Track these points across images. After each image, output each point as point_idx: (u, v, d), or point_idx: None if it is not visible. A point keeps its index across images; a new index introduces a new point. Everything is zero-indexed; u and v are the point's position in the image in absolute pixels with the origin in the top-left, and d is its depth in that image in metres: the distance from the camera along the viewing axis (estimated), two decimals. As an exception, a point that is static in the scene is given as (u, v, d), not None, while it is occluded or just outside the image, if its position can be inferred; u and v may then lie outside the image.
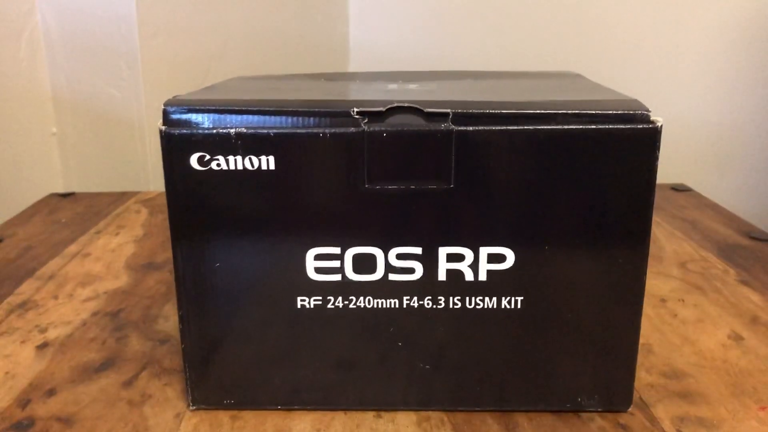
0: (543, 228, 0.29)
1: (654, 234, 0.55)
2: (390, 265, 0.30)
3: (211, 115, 0.28)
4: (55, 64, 0.71)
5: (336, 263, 0.30)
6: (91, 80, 0.71)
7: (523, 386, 0.31)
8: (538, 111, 0.28)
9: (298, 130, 0.28)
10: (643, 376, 0.34)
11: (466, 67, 0.76)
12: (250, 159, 0.28)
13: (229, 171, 0.28)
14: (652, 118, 0.28)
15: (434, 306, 0.30)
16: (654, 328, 0.40)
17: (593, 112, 0.28)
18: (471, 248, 0.29)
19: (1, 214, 0.66)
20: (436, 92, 0.33)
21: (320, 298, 0.30)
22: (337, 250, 0.30)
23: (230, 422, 0.31)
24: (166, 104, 0.28)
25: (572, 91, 0.34)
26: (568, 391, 0.31)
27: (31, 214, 0.62)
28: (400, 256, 0.30)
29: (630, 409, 0.32)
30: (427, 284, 0.30)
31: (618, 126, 0.27)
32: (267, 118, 0.28)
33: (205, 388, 0.32)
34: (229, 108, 0.28)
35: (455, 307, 0.30)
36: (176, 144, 0.28)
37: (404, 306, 0.30)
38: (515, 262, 0.29)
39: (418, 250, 0.29)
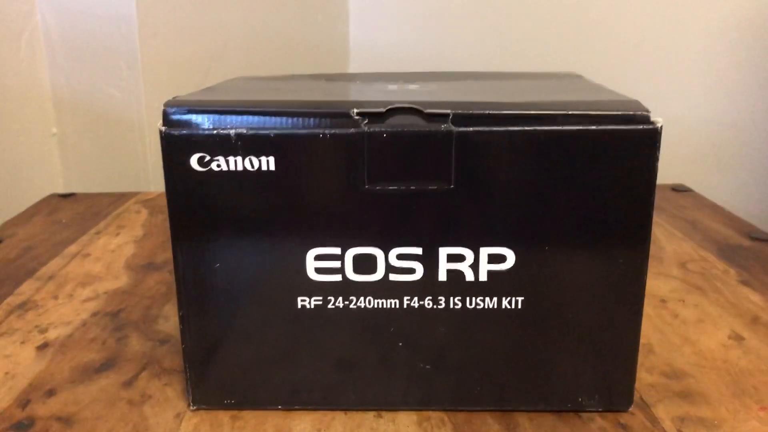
0: (543, 228, 0.29)
1: (654, 234, 0.55)
2: (390, 265, 0.30)
3: (212, 116, 0.28)
4: (55, 65, 0.71)
5: (336, 263, 0.30)
6: (91, 80, 0.71)
7: (523, 386, 0.31)
8: (539, 112, 0.28)
9: (299, 131, 0.28)
10: (643, 376, 0.34)
11: (466, 67, 0.76)
12: (251, 160, 0.28)
13: (229, 172, 0.28)
14: (652, 119, 0.28)
15: (435, 306, 0.30)
16: (654, 328, 0.40)
17: (593, 112, 0.28)
18: (471, 248, 0.29)
19: (1, 215, 0.66)
20: (437, 93, 0.33)
21: (320, 298, 0.30)
22: (337, 251, 0.30)
23: (230, 422, 0.31)
24: (166, 105, 0.28)
25: (572, 92, 0.34)
26: (568, 391, 0.31)
27: (31, 215, 0.62)
28: (400, 257, 0.30)
29: (630, 409, 0.32)
30: (428, 284, 0.30)
31: (618, 126, 0.27)
32: (267, 118, 0.28)
33: (206, 388, 0.32)
34: (230, 109, 0.28)
35: (456, 307, 0.30)
36: (176, 145, 0.28)
37: (404, 306, 0.30)
38: (516, 262, 0.29)
39: (418, 251, 0.29)
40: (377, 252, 0.29)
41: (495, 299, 0.30)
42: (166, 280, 0.47)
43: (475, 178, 0.28)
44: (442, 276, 0.30)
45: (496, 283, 0.30)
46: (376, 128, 0.28)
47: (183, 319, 0.31)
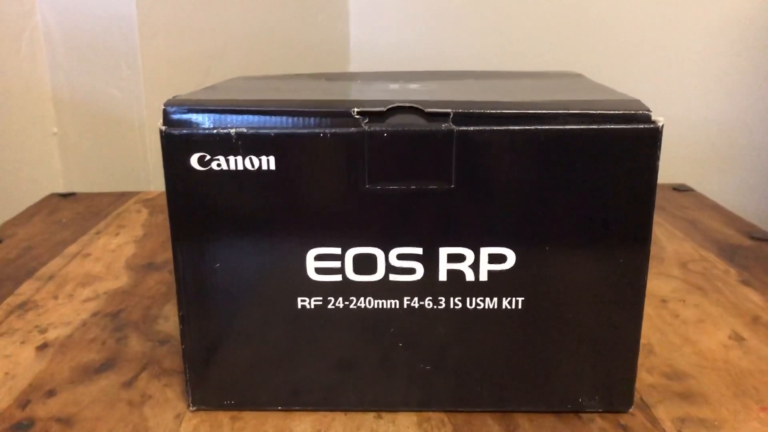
0: (544, 228, 0.29)
1: (655, 234, 0.55)
2: (390, 265, 0.30)
3: (212, 115, 0.28)
4: (55, 64, 0.71)
5: (336, 263, 0.30)
6: (92, 80, 0.71)
7: (523, 387, 0.31)
8: (539, 111, 0.28)
9: (299, 130, 0.28)
10: (644, 377, 0.34)
11: (466, 67, 0.76)
12: (251, 159, 0.28)
13: (229, 171, 0.28)
14: (653, 118, 0.27)
15: (435, 306, 0.30)
16: (655, 328, 0.40)
17: (594, 112, 0.28)
18: (472, 248, 0.29)
19: (2, 214, 0.66)
20: (437, 92, 0.33)
21: (321, 298, 0.30)
22: (337, 251, 0.29)
23: (230, 423, 0.31)
24: (166, 104, 0.28)
25: (573, 91, 0.34)
26: (568, 391, 0.31)
27: (31, 215, 0.62)
28: (400, 257, 0.29)
29: (631, 410, 0.32)
30: (428, 285, 0.30)
31: (619, 126, 0.27)
32: (267, 118, 0.28)
33: (206, 388, 0.32)
34: (230, 108, 0.28)
35: (456, 307, 0.30)
36: (176, 144, 0.28)
37: (405, 306, 0.30)
38: (516, 262, 0.29)
39: (418, 251, 0.29)
40: (377, 252, 0.29)
41: (495, 299, 0.30)
42: (166, 280, 0.47)
43: (476, 178, 0.28)
44: (443, 276, 0.30)
45: (497, 283, 0.30)
46: (376, 127, 0.28)
47: (183, 320, 0.31)
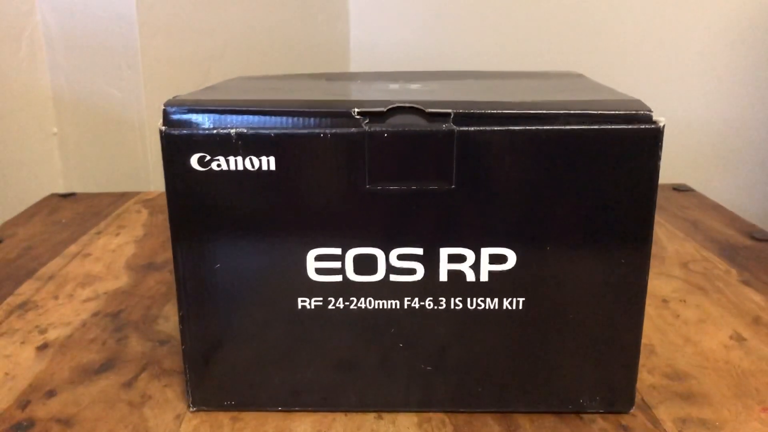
0: (544, 228, 0.29)
1: (656, 234, 0.55)
2: (391, 265, 0.30)
3: (212, 116, 0.28)
4: (55, 64, 0.71)
5: (337, 264, 0.30)
6: (92, 80, 0.71)
7: (524, 387, 0.31)
8: (540, 111, 0.28)
9: (299, 131, 0.28)
10: (645, 377, 0.34)
11: (466, 67, 0.76)
12: (251, 159, 0.28)
13: (229, 171, 0.28)
14: (654, 118, 0.27)
15: (435, 307, 0.30)
16: (656, 328, 0.40)
17: (595, 112, 0.27)
18: (472, 249, 0.29)
19: (2, 214, 0.66)
20: (438, 92, 0.33)
21: (321, 298, 0.30)
22: (337, 251, 0.29)
23: (230, 423, 0.31)
24: (166, 104, 0.28)
25: (574, 91, 0.34)
26: (569, 392, 0.31)
27: (31, 215, 0.62)
28: (401, 257, 0.29)
29: (632, 411, 0.31)
30: (428, 285, 0.30)
31: (620, 126, 0.27)
32: (267, 118, 0.28)
33: (206, 389, 0.32)
34: (230, 108, 0.28)
35: (456, 308, 0.30)
36: (176, 144, 0.28)
37: (405, 307, 0.30)
38: (517, 262, 0.29)
39: (419, 251, 0.29)
40: (378, 252, 0.29)
41: (496, 300, 0.30)
42: (166, 280, 0.47)
43: (477, 178, 0.28)
44: (443, 276, 0.30)
45: (497, 284, 0.30)
46: (377, 128, 0.28)
47: (183, 320, 0.31)
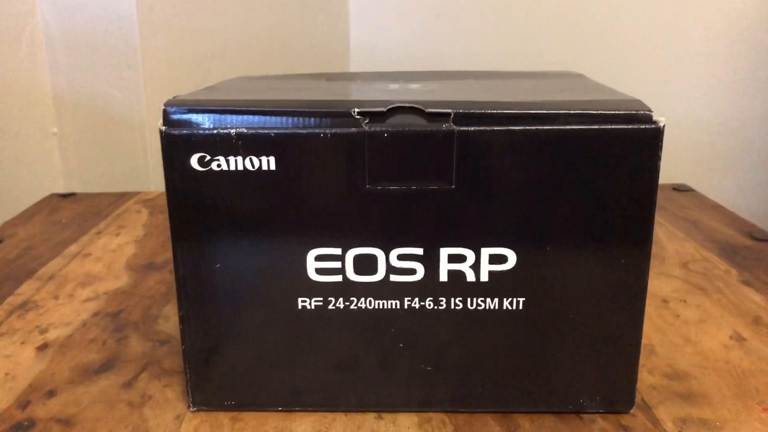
0: (545, 228, 0.29)
1: (656, 234, 0.55)
2: (391, 265, 0.30)
3: (212, 116, 0.28)
4: (55, 64, 0.71)
5: (337, 264, 0.30)
6: (92, 80, 0.71)
7: (524, 387, 0.31)
8: (540, 111, 0.28)
9: (299, 131, 0.28)
10: (645, 377, 0.34)
11: (466, 67, 0.76)
12: (251, 159, 0.28)
13: (229, 171, 0.28)
14: (654, 118, 0.27)
15: (435, 307, 0.30)
16: (656, 328, 0.40)
17: (595, 112, 0.27)
18: (472, 249, 0.29)
19: (2, 214, 0.66)
20: (438, 92, 0.33)
21: (321, 299, 0.30)
22: (338, 251, 0.29)
23: (230, 424, 0.31)
24: (166, 104, 0.28)
25: (574, 91, 0.34)
26: (569, 392, 0.31)
27: (31, 215, 0.62)
28: (401, 257, 0.29)
29: (632, 411, 0.31)
30: (429, 285, 0.30)
31: (620, 126, 0.27)
32: (268, 118, 0.28)
33: (206, 389, 0.32)
34: (230, 108, 0.28)
35: (456, 308, 0.30)
36: (176, 144, 0.28)
37: (405, 307, 0.30)
38: (517, 262, 0.29)
39: (419, 251, 0.29)
40: (378, 252, 0.29)
41: (496, 300, 0.30)
42: (166, 280, 0.47)
43: (477, 178, 0.28)
44: (443, 276, 0.30)
45: (498, 284, 0.30)
46: (377, 128, 0.28)
47: (183, 320, 0.31)
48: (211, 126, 0.28)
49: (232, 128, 0.28)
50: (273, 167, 0.28)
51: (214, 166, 0.28)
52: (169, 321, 0.41)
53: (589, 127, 0.27)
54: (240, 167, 0.28)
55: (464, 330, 0.30)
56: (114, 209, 0.64)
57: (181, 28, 0.70)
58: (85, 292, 0.45)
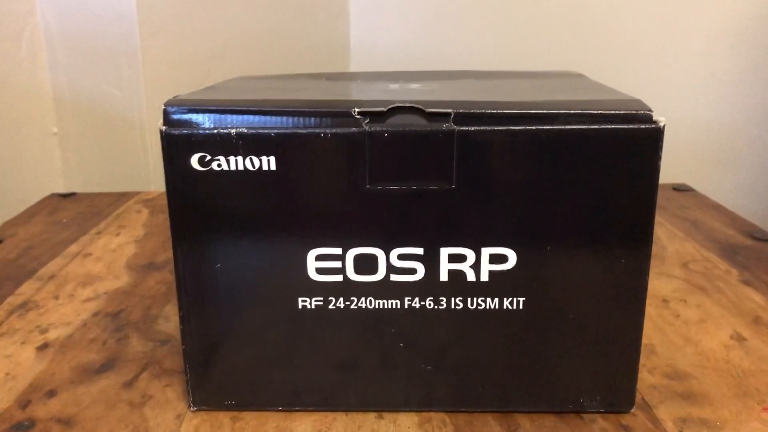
0: (545, 228, 0.29)
1: (656, 234, 0.55)
2: (391, 265, 0.30)
3: (212, 115, 0.28)
4: (55, 64, 0.71)
5: (337, 264, 0.30)
6: (92, 80, 0.71)
7: (525, 387, 0.31)
8: (540, 111, 0.28)
9: (300, 131, 0.28)
10: (645, 377, 0.34)
11: (467, 66, 0.76)
12: (251, 159, 0.28)
13: (230, 171, 0.28)
14: (654, 118, 0.27)
15: (436, 307, 0.30)
16: (656, 328, 0.40)
17: (595, 112, 0.27)
18: (473, 249, 0.29)
19: (2, 214, 0.66)
20: (438, 92, 0.33)
21: (321, 298, 0.30)
22: (338, 251, 0.29)
23: (231, 423, 0.31)
24: (166, 104, 0.28)
25: (574, 91, 0.34)
26: (570, 392, 0.31)
27: (31, 214, 0.62)
28: (401, 257, 0.29)
29: (632, 410, 0.31)
30: (429, 285, 0.30)
31: (620, 126, 0.27)
32: (268, 118, 0.28)
33: (206, 389, 0.32)
34: (230, 108, 0.28)
35: (457, 307, 0.30)
36: (177, 144, 0.28)
37: (406, 307, 0.30)
38: (517, 262, 0.29)
39: (419, 251, 0.29)
40: (378, 252, 0.29)
41: (496, 300, 0.30)
42: (166, 280, 0.47)
43: (477, 178, 0.28)
44: (444, 276, 0.30)
45: (498, 284, 0.30)
46: (377, 128, 0.28)
47: (183, 320, 0.31)
48: (212, 126, 0.28)
49: (232, 128, 0.28)
50: (273, 167, 0.28)
51: (214, 165, 0.28)
52: (170, 321, 0.41)
53: (589, 127, 0.27)
54: (240, 167, 0.28)
55: (464, 330, 0.30)
56: (114, 209, 0.64)
57: (181, 28, 0.70)
58: (86, 292, 0.45)
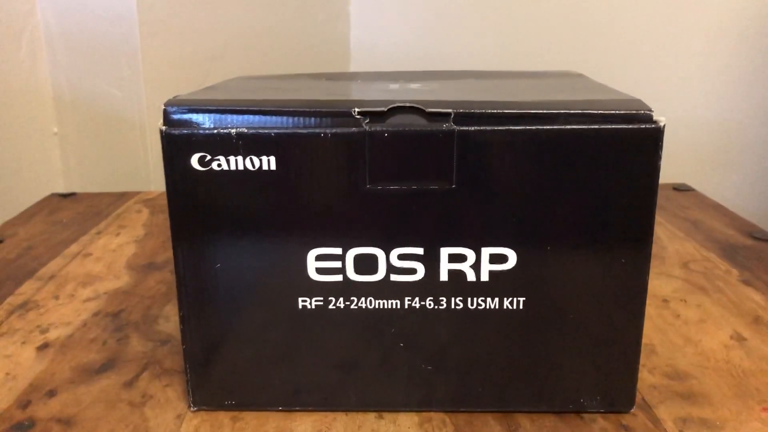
0: (545, 228, 0.29)
1: (656, 234, 0.55)
2: (391, 265, 0.30)
3: (212, 115, 0.28)
4: (55, 64, 0.71)
5: (337, 264, 0.30)
6: (92, 80, 0.71)
7: (525, 387, 0.31)
8: (540, 111, 0.28)
9: (300, 131, 0.28)
10: (645, 377, 0.34)
11: (467, 66, 0.76)
12: (251, 159, 0.28)
13: (230, 171, 0.28)
14: (654, 118, 0.27)
15: (436, 307, 0.30)
16: (656, 328, 0.40)
17: (595, 112, 0.27)
18: (473, 249, 0.29)
19: (2, 214, 0.66)
20: (438, 92, 0.33)
21: (321, 298, 0.30)
22: (338, 251, 0.29)
23: (231, 423, 0.31)
24: (166, 104, 0.28)
25: (574, 91, 0.34)
26: (570, 392, 0.31)
27: (31, 214, 0.62)
28: (401, 257, 0.29)
29: (632, 410, 0.31)
30: (429, 285, 0.30)
31: (620, 126, 0.27)
32: (268, 118, 0.28)
33: (206, 389, 0.32)
34: (230, 108, 0.28)
35: (457, 307, 0.30)
36: (177, 144, 0.28)
37: (406, 307, 0.30)
38: (517, 262, 0.29)
39: (419, 251, 0.29)
40: (378, 252, 0.29)
41: (496, 300, 0.30)
42: (167, 279, 0.47)
43: (477, 178, 0.28)
44: (444, 276, 0.30)
45: (498, 284, 0.30)
46: (377, 127, 0.28)
47: (183, 320, 0.31)
48: (212, 126, 0.28)
49: (232, 128, 0.28)
50: (273, 167, 0.28)
51: (214, 165, 0.28)
52: (170, 321, 0.41)
53: (589, 126, 0.27)
54: (240, 167, 0.28)
55: (464, 330, 0.30)
56: (114, 209, 0.64)
57: (181, 28, 0.70)
58: (86, 292, 0.45)
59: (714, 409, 0.32)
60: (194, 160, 0.28)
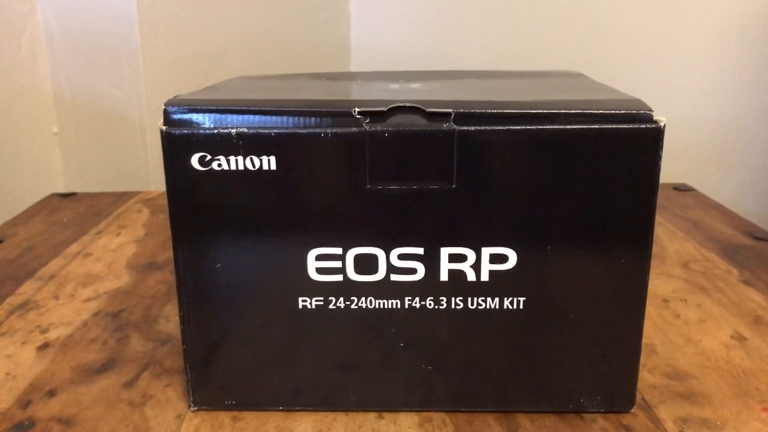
0: (545, 228, 0.29)
1: (656, 234, 0.55)
2: (392, 265, 0.30)
3: (212, 115, 0.28)
4: (56, 64, 0.71)
5: (337, 263, 0.30)
6: (93, 80, 0.71)
7: (525, 387, 0.31)
8: (541, 111, 0.28)
9: (300, 130, 0.28)
10: (645, 377, 0.34)
11: (467, 66, 0.76)
12: (252, 159, 0.28)
13: (230, 171, 0.28)
14: (654, 118, 0.27)
15: (436, 306, 0.30)
16: (656, 328, 0.40)
17: (596, 111, 0.27)
18: (473, 248, 0.29)
19: (2, 214, 0.66)
20: (438, 92, 0.33)
21: (322, 298, 0.30)
22: (338, 251, 0.29)
23: (231, 423, 0.31)
24: (166, 104, 0.28)
25: (574, 91, 0.34)
26: (570, 391, 0.31)
27: (32, 214, 0.62)
28: (401, 257, 0.29)
29: (633, 410, 0.31)
30: (429, 285, 0.30)
31: (621, 126, 0.27)
32: (268, 118, 0.28)
33: (206, 388, 0.32)
34: (231, 108, 0.28)
35: (457, 307, 0.30)
36: (177, 144, 0.28)
37: (406, 306, 0.30)
38: (517, 262, 0.29)
39: (419, 251, 0.29)
40: (378, 252, 0.29)
41: (497, 299, 0.30)
42: (167, 279, 0.47)
43: (477, 178, 0.28)
44: (444, 276, 0.30)
45: (498, 284, 0.30)
46: (377, 127, 0.28)
47: (184, 320, 0.31)
48: (212, 126, 0.28)
49: (232, 128, 0.28)
50: (273, 167, 0.28)
51: (214, 165, 0.28)
52: (170, 321, 0.41)
53: (589, 126, 0.27)
54: (240, 167, 0.28)
55: (465, 330, 0.30)
56: (114, 209, 0.64)
57: (181, 28, 0.70)
58: (86, 292, 0.45)
59: (714, 409, 0.32)
60: (194, 160, 0.28)
